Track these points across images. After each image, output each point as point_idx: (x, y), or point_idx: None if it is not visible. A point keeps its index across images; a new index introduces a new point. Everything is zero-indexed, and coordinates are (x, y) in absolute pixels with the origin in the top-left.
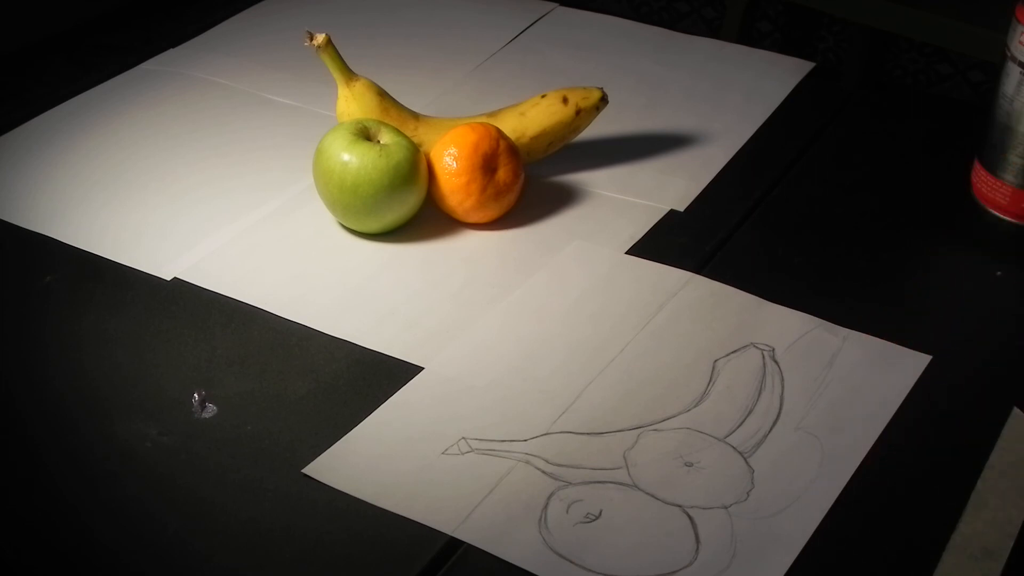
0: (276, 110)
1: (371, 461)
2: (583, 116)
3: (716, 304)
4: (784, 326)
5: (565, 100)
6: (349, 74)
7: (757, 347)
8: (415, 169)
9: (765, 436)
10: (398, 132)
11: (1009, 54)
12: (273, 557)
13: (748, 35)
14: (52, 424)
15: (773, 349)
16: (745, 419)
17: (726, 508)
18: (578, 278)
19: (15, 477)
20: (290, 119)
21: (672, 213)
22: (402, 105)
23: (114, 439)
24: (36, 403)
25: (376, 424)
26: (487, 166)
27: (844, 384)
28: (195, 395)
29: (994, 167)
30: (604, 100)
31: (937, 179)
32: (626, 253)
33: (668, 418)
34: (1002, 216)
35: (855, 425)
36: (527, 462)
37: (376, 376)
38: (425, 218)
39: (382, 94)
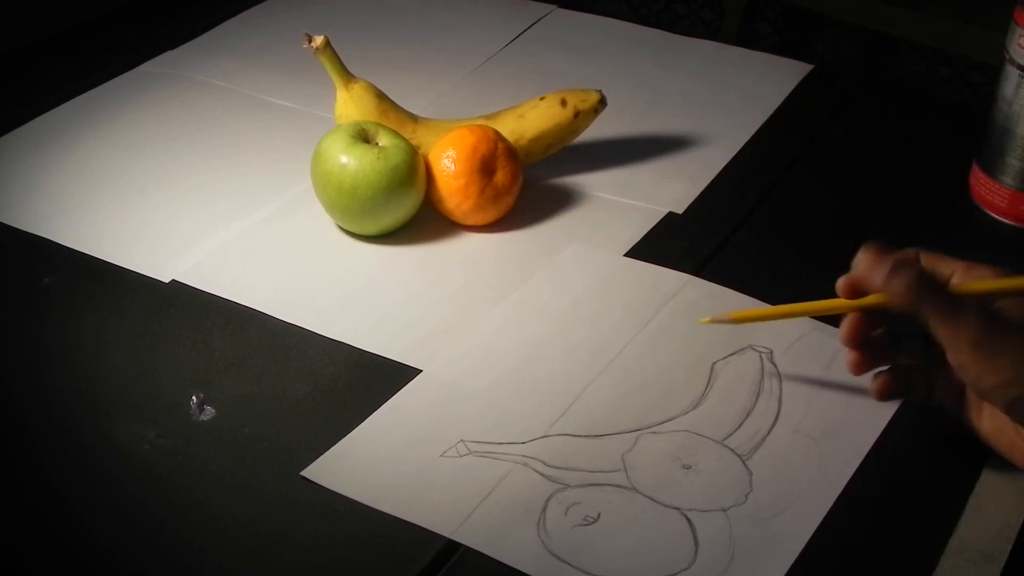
0: (275, 112)
1: (369, 464)
2: (582, 118)
3: (714, 306)
4: (782, 328)
5: (564, 102)
6: (347, 76)
7: (755, 349)
8: (413, 171)
9: (763, 438)
10: (396, 134)
11: (1008, 57)
12: (271, 559)
13: (747, 37)
14: (51, 426)
15: (771, 351)
16: (743, 421)
17: (724, 511)
18: (576, 280)
19: (14, 477)
20: (289, 121)
21: (670, 215)
22: (400, 107)
23: (112, 441)
24: (35, 404)
25: (374, 427)
26: (485, 168)
27: (842, 386)
28: (193, 397)
29: (992, 170)
30: (603, 102)
31: (936, 182)
32: (624, 255)
33: (666, 420)
34: (1000, 219)
35: (853, 427)
36: (525, 464)
37: (374, 378)
38: (423, 220)
39: (380, 96)
